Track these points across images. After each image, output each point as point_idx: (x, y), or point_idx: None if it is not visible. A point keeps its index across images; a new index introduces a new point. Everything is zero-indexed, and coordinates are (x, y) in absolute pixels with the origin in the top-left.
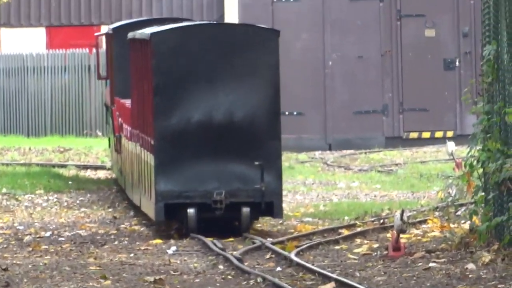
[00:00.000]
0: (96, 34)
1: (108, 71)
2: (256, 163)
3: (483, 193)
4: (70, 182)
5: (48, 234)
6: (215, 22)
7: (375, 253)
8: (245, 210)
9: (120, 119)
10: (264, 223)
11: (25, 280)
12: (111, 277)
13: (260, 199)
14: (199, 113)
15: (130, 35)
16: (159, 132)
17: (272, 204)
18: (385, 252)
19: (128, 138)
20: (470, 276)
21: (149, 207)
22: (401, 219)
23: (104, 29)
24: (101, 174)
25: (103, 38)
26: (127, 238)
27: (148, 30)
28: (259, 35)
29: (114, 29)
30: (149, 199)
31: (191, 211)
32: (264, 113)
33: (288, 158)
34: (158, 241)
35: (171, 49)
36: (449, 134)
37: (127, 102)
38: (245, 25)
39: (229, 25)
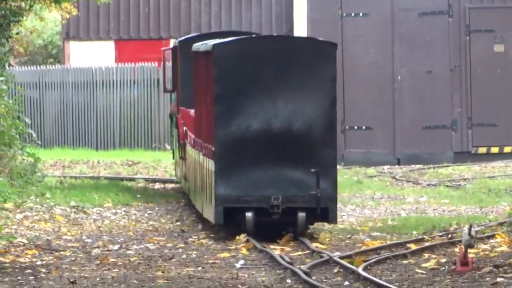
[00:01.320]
0: (162, 48)
1: (175, 83)
2: (312, 170)
3: None
4: (138, 196)
5: (116, 247)
6: (275, 35)
7: (443, 268)
8: (301, 215)
9: (184, 127)
10: (333, 237)
11: None
12: None
13: (315, 205)
14: (258, 121)
15: (195, 47)
16: (219, 139)
17: (327, 210)
18: (453, 267)
19: (191, 145)
20: None
21: (209, 212)
22: (469, 234)
23: (172, 43)
24: (170, 187)
25: (170, 52)
26: (195, 252)
27: (211, 42)
28: (317, 48)
29: (180, 42)
30: (209, 204)
31: (249, 215)
32: (320, 123)
33: (356, 173)
34: (226, 254)
35: (232, 60)
36: None
37: (191, 111)
38: (304, 37)
39: (288, 37)
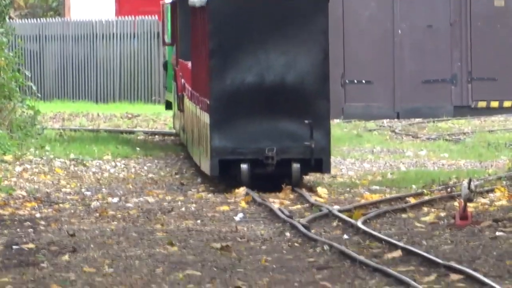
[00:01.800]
0: (161, 2)
1: (174, 36)
2: (306, 121)
3: None
4: (137, 148)
5: (115, 200)
6: None
7: (442, 222)
8: (295, 166)
9: (182, 80)
10: (332, 190)
11: (91, 246)
12: (177, 244)
13: (309, 156)
14: (252, 75)
15: (191, 2)
16: (214, 93)
17: (321, 161)
18: (452, 221)
19: (189, 98)
20: None
21: (205, 164)
22: (469, 188)
23: None
24: (169, 140)
25: (169, 5)
26: (194, 205)
27: None
28: (310, 1)
29: None
30: (205, 156)
31: (244, 166)
32: (313, 75)
33: (356, 126)
34: (225, 207)
35: (227, 15)
36: None
37: (189, 64)
38: None
39: None
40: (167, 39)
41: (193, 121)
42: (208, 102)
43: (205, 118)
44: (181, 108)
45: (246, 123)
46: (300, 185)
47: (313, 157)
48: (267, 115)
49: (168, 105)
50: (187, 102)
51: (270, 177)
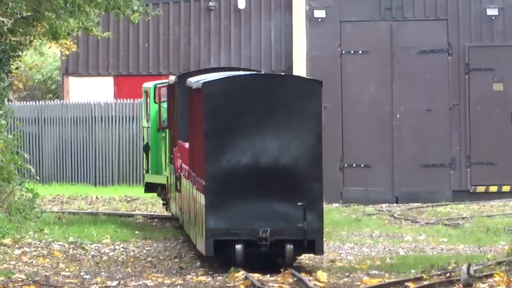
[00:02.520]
0: (158, 85)
1: (170, 118)
2: (299, 203)
3: None
4: (137, 232)
5: (114, 283)
6: (262, 73)
7: None
8: (289, 247)
9: (180, 160)
10: (331, 275)
11: None
12: None
13: (302, 237)
14: (246, 157)
15: (188, 82)
16: (209, 174)
17: (314, 242)
18: None
19: (186, 178)
20: None
21: (201, 243)
22: (468, 273)
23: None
24: (168, 224)
25: (165, 88)
26: None
27: (201, 80)
28: (303, 85)
29: (178, 77)
30: (201, 236)
31: (238, 247)
32: (307, 158)
33: (354, 211)
34: None
35: (222, 97)
36: None
37: (186, 144)
38: (290, 76)
39: (275, 76)
40: (163, 123)
41: (190, 201)
42: (203, 183)
43: (201, 199)
44: (178, 189)
45: (240, 204)
46: (299, 269)
47: (306, 238)
48: (261, 197)
49: (148, 188)
50: (184, 182)
51: (263, 257)
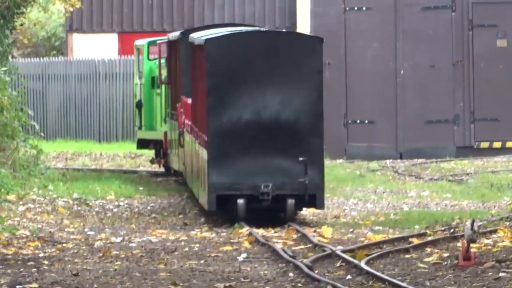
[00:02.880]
0: (157, 41)
1: (171, 74)
2: (300, 158)
3: None
4: (141, 188)
5: (118, 240)
6: (264, 29)
7: (445, 263)
8: (290, 201)
9: (183, 116)
10: (335, 231)
11: (95, 286)
12: (181, 284)
13: (303, 192)
14: (248, 112)
15: (191, 38)
16: (211, 130)
17: (315, 197)
18: (455, 262)
19: (189, 133)
20: None
21: (203, 198)
22: (472, 228)
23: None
24: (172, 180)
25: (165, 44)
26: (197, 245)
27: (204, 36)
28: (304, 42)
29: (181, 33)
30: (203, 191)
31: (240, 201)
32: (307, 114)
33: (358, 167)
34: (229, 247)
35: (223, 54)
36: None
37: (189, 100)
38: (291, 32)
39: (276, 32)
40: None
41: (193, 156)
42: (205, 138)
43: (203, 154)
44: (181, 144)
45: (242, 160)
46: (303, 225)
47: (307, 193)
48: (263, 152)
49: (141, 144)
50: (187, 137)
51: (265, 212)
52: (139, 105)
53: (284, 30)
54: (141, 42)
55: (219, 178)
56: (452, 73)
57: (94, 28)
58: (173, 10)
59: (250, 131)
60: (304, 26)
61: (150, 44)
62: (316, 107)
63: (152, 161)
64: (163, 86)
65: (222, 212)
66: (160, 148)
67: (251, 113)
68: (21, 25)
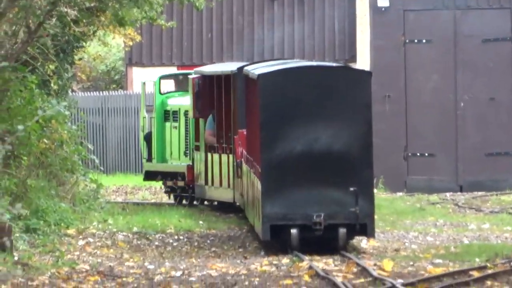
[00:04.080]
0: (191, 77)
1: (206, 108)
2: (351, 189)
3: None
4: (200, 222)
5: (178, 274)
6: (315, 64)
7: None
8: (342, 230)
9: (240, 148)
10: (395, 264)
11: None
12: None
13: (355, 221)
14: (300, 145)
15: (245, 71)
16: (265, 162)
17: (366, 226)
18: None
19: (245, 163)
20: None
21: (258, 227)
22: None
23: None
24: (232, 214)
25: (198, 79)
26: (257, 279)
27: (257, 71)
28: (353, 76)
29: (238, 68)
30: (258, 220)
31: (294, 231)
32: (358, 146)
33: (419, 200)
34: (289, 281)
35: (276, 88)
36: None
37: (245, 131)
38: (341, 66)
39: (327, 67)
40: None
41: (249, 186)
42: (259, 169)
43: (258, 184)
44: (239, 175)
45: (295, 190)
46: (362, 258)
47: (358, 222)
48: (315, 183)
49: (147, 176)
50: (244, 168)
51: (317, 241)
52: (148, 138)
53: (334, 64)
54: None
55: (273, 209)
56: None
57: (154, 62)
58: (233, 43)
59: (302, 162)
60: (363, 59)
61: (161, 78)
62: (366, 139)
63: (168, 192)
64: (181, 120)
65: (276, 241)
66: (172, 180)
67: (303, 145)
68: (80, 59)
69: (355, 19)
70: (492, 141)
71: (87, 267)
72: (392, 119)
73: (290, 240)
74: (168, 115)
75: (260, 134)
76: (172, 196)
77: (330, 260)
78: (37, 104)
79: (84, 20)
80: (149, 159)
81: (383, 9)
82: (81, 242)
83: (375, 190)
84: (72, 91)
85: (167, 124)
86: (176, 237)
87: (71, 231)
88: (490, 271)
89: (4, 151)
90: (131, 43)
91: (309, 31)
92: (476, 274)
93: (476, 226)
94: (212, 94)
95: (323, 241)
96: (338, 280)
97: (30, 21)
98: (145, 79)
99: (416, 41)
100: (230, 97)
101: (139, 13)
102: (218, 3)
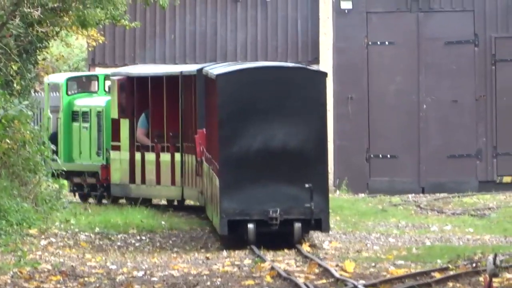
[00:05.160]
0: (114, 78)
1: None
2: (306, 185)
3: None
4: (163, 222)
5: (140, 274)
6: (271, 64)
7: None
8: (297, 225)
9: (201, 146)
10: (357, 265)
11: None
12: None
13: (310, 216)
14: (257, 142)
15: (204, 71)
16: (223, 159)
17: (320, 221)
18: None
19: (206, 161)
20: None
21: (216, 223)
22: (494, 263)
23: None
24: (194, 214)
25: (124, 82)
26: (219, 279)
27: (215, 71)
28: (309, 76)
29: (197, 70)
30: (216, 216)
31: (250, 226)
32: (313, 143)
33: (381, 201)
34: (251, 282)
35: (234, 87)
36: None
37: (204, 130)
38: (297, 67)
39: (283, 67)
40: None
41: (208, 184)
42: (218, 166)
43: (216, 181)
44: (199, 173)
45: (252, 186)
46: (324, 259)
47: (313, 217)
48: (271, 179)
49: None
50: (204, 166)
51: (273, 235)
52: (53, 138)
53: (291, 64)
54: (57, 78)
55: (230, 204)
56: (475, 107)
57: (117, 62)
58: (195, 44)
59: (259, 159)
60: (326, 60)
61: (68, 80)
62: (320, 137)
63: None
64: (93, 121)
65: (232, 237)
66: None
67: (260, 143)
68: (44, 59)
69: (318, 21)
70: (454, 143)
71: (49, 267)
72: (354, 121)
73: (247, 234)
74: (76, 115)
75: (218, 132)
76: (77, 195)
77: (292, 261)
78: None
79: (48, 21)
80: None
81: (346, 11)
82: (43, 242)
83: (337, 192)
84: (35, 91)
85: (75, 124)
86: (138, 237)
87: (33, 231)
88: (452, 273)
89: None
90: (94, 44)
91: (272, 32)
92: (438, 275)
93: (438, 227)
94: (146, 95)
95: (279, 235)
96: (300, 281)
97: None
98: (50, 79)
99: (379, 43)
100: (177, 97)
101: (103, 14)
102: (181, 4)
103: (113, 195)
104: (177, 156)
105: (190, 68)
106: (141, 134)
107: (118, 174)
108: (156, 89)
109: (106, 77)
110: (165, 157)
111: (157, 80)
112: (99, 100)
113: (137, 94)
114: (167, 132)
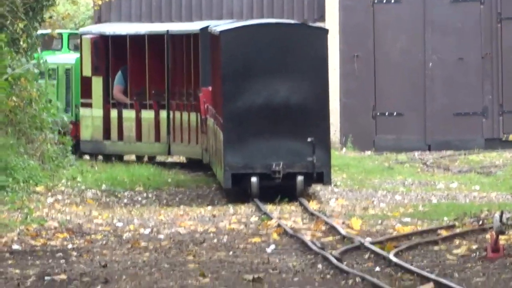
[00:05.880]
0: (86, 37)
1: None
2: (309, 139)
3: None
4: (169, 180)
5: (147, 231)
6: (274, 21)
7: (474, 254)
8: (299, 178)
9: (206, 104)
10: (364, 222)
11: (124, 277)
12: (209, 275)
13: (312, 170)
14: (260, 98)
15: (210, 29)
16: (227, 113)
17: (322, 174)
18: (484, 253)
19: (210, 117)
20: None
21: (220, 176)
22: (500, 220)
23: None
24: (201, 172)
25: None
26: (226, 236)
27: (219, 28)
28: (310, 33)
29: (201, 29)
30: (220, 170)
31: (254, 179)
32: (315, 99)
33: (387, 159)
34: (257, 239)
35: (237, 44)
36: None
37: (210, 88)
38: (299, 24)
39: (285, 24)
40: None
41: (212, 139)
42: (221, 121)
43: (220, 135)
44: (204, 130)
45: (255, 141)
46: (331, 216)
47: (315, 171)
48: (274, 134)
49: None
50: (209, 122)
51: (276, 189)
52: None
53: (293, 22)
54: (87, 36)
55: (234, 158)
56: (481, 65)
57: (123, 20)
58: (201, 3)
59: (262, 114)
60: (332, 19)
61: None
62: (322, 92)
63: None
64: (62, 78)
65: (236, 190)
66: None
67: (263, 99)
68: (50, 17)
69: None
70: (460, 101)
71: (56, 224)
72: (360, 79)
73: (250, 188)
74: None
75: (222, 87)
76: None
77: (299, 219)
78: (6, 62)
79: None
80: None
81: None
82: (50, 200)
83: (344, 150)
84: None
85: (42, 82)
86: (144, 194)
87: (40, 188)
88: (458, 230)
89: None
90: (100, 2)
91: None
92: (444, 233)
93: (444, 185)
94: (124, 54)
95: (282, 189)
96: (307, 238)
97: None
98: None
99: (384, 1)
100: (161, 56)
101: None
102: None
103: (83, 151)
104: (163, 113)
105: (192, 26)
106: (118, 92)
107: (89, 130)
108: (135, 48)
109: (71, 35)
110: (147, 114)
111: (137, 39)
112: (67, 58)
113: (112, 52)
114: (149, 90)
